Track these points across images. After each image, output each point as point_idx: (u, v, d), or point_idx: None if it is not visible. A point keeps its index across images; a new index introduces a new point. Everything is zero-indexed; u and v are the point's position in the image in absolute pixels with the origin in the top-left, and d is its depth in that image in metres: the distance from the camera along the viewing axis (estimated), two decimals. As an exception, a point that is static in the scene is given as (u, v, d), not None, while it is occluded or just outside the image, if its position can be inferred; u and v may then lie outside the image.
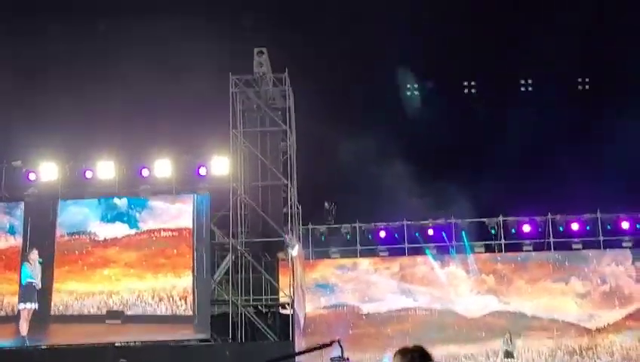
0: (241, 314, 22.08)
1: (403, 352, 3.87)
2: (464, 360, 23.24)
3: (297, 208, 23.34)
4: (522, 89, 27.65)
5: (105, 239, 21.92)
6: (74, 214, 22.20)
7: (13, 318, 21.19)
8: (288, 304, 21.93)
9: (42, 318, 21.31)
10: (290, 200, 22.70)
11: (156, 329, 21.19)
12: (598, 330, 23.23)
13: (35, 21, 23.83)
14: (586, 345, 23.10)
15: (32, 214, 21.99)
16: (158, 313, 21.38)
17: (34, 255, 21.48)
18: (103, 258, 21.84)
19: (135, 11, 23.85)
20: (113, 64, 24.09)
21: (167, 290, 21.52)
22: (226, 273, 22.67)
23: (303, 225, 24.05)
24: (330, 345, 19.55)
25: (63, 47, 24.12)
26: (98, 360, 19.71)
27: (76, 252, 21.87)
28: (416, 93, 28.39)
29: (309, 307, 24.01)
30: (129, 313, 21.34)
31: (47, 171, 22.36)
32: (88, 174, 22.33)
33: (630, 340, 23.01)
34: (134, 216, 22.23)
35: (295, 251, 21.75)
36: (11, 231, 21.99)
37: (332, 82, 24.82)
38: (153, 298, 21.45)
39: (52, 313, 21.32)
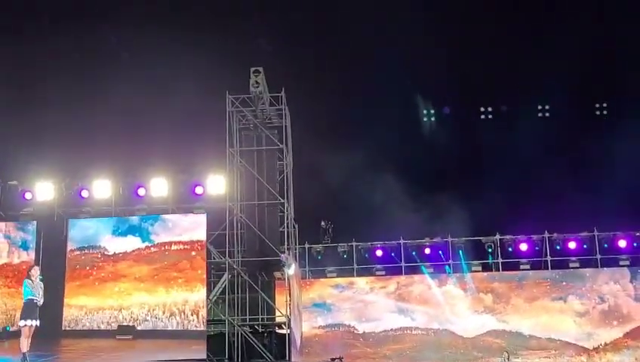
0: (238, 333, 21.94)
1: None
2: (461, 380, 23.16)
3: (294, 227, 23.27)
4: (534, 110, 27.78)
5: (115, 253, 21.80)
6: (85, 228, 22.16)
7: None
8: (285, 324, 21.80)
9: (53, 333, 21.07)
10: (287, 219, 22.63)
11: (167, 344, 20.98)
12: (596, 350, 23.15)
13: (30, 39, 23.86)
14: (585, 364, 23.04)
15: (44, 230, 21.91)
16: (169, 328, 21.21)
17: (35, 271, 21.32)
18: (113, 272, 21.72)
19: (132, 30, 23.92)
20: (109, 83, 24.10)
21: (178, 305, 21.37)
22: (222, 292, 22.54)
23: (299, 244, 23.99)
24: None
25: (58, 65, 24.14)
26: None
27: (87, 267, 21.75)
28: (430, 116, 28.51)
29: (306, 326, 23.90)
30: (140, 328, 21.23)
31: (43, 190, 22.30)
32: (84, 193, 22.27)
33: (628, 359, 22.93)
34: (147, 229, 22.12)
35: (292, 270, 21.66)
36: (24, 246, 21.93)
37: (329, 101, 24.86)
38: (164, 313, 21.32)
39: (63, 328, 21.22)
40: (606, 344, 23.16)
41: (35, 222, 22.05)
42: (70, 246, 21.88)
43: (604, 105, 27.57)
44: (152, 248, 21.88)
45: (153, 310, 21.38)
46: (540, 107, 27.86)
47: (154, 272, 21.76)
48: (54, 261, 21.59)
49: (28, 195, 22.33)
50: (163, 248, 21.94)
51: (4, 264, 21.84)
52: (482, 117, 28.68)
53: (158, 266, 21.78)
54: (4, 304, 21.44)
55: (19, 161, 22.08)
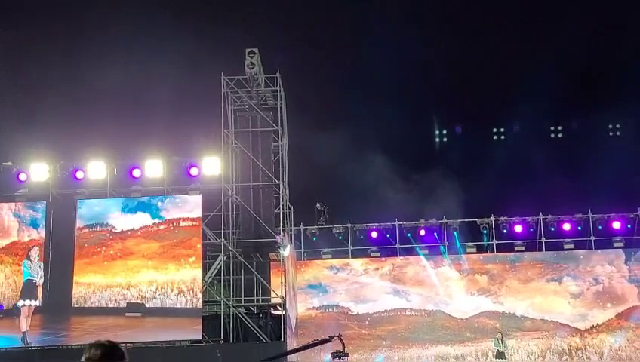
0: (233, 314, 22.02)
1: (88, 346, 3.83)
2: (454, 361, 23.25)
3: (289, 209, 23.31)
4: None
5: (123, 230, 21.81)
6: (94, 206, 22.25)
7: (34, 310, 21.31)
8: (280, 305, 21.88)
9: (63, 311, 21.32)
10: (282, 200, 22.67)
11: (176, 322, 21.05)
12: (589, 331, 23.27)
13: (24, 21, 23.75)
14: (575, 345, 23.14)
15: (54, 209, 22.01)
16: (178, 306, 21.26)
17: (34, 252, 21.55)
18: (122, 250, 21.75)
19: (127, 12, 23.81)
20: (104, 64, 24.05)
21: (187, 283, 21.44)
22: (217, 274, 22.59)
23: (294, 225, 24.03)
24: (330, 340, 19.55)
25: (52, 47, 24.05)
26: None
27: (95, 244, 21.81)
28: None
29: (301, 307, 23.97)
30: (149, 305, 21.27)
31: (37, 172, 22.29)
32: (79, 174, 22.24)
33: (621, 340, 23.06)
34: (156, 206, 22.18)
35: (287, 252, 21.71)
36: (34, 225, 21.99)
37: (325, 82, 24.81)
38: (173, 290, 21.37)
39: (73, 305, 21.33)
40: (599, 325, 23.28)
41: (44, 202, 22.13)
42: (79, 223, 21.90)
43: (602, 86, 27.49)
44: (161, 225, 21.88)
45: (162, 288, 21.45)
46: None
47: (162, 249, 21.78)
48: (64, 239, 21.74)
49: (22, 176, 22.31)
50: (172, 225, 21.95)
51: (14, 242, 21.93)
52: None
53: (167, 243, 21.83)
54: (14, 281, 21.54)
55: (13, 142, 22.03)
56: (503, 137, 26.08)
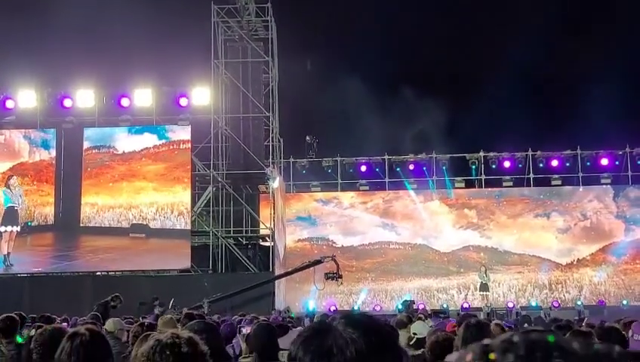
0: (222, 245, 22.16)
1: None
2: (436, 294, 23.52)
3: (279, 141, 23.27)
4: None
5: (125, 152, 21.99)
6: (101, 129, 22.60)
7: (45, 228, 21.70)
8: (269, 236, 22.00)
9: (71, 230, 21.69)
10: (272, 132, 22.62)
11: (178, 244, 21.28)
12: (572, 265, 23.53)
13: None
14: (556, 279, 23.43)
15: (66, 133, 22.16)
16: (178, 227, 21.49)
17: (14, 180, 21.71)
18: (124, 171, 21.99)
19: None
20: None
21: (186, 205, 21.62)
22: (207, 205, 22.66)
23: (284, 158, 24.00)
24: (322, 261, 19.67)
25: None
26: (78, 288, 19.73)
27: (100, 165, 22.06)
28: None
29: (289, 239, 24.12)
30: (153, 226, 21.56)
31: (25, 98, 22.07)
32: (67, 102, 22.05)
33: (603, 274, 23.35)
34: (164, 127, 22.32)
35: (276, 184, 21.73)
36: (45, 146, 22.21)
37: (316, 13, 24.48)
38: (172, 212, 21.53)
39: (80, 225, 21.69)
40: (582, 259, 23.55)
41: (54, 129, 22.33)
42: (86, 145, 22.10)
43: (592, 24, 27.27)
44: (164, 147, 22.00)
45: (162, 209, 21.60)
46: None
47: (164, 171, 21.96)
48: (72, 161, 21.92)
49: (9, 103, 22.10)
50: (177, 146, 22.02)
51: (24, 163, 22.15)
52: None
53: (168, 165, 21.97)
54: (24, 201, 21.82)
55: (0, 67, 21.73)
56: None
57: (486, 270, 21.74)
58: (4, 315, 6.13)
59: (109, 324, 7.30)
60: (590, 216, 23.80)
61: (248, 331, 6.11)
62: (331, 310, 21.45)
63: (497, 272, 23.27)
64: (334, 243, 24.18)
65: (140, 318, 8.99)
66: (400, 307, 18.90)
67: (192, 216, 21.93)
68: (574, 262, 23.56)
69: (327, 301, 22.65)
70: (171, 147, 22.07)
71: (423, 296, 23.08)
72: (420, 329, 6.08)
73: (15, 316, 6.32)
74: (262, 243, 23.13)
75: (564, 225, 23.85)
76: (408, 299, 20.06)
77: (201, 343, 2.62)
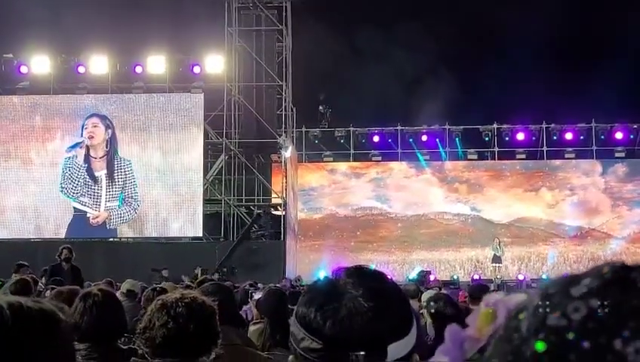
0: (233, 214, 22.22)
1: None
2: (446, 264, 23.49)
3: (292, 110, 23.21)
4: None
5: None
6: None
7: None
8: (280, 205, 22.03)
9: None
10: (285, 102, 22.55)
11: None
12: (562, 238, 23.45)
13: None
14: (567, 252, 23.38)
15: None
16: None
17: None
18: None
19: None
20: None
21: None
22: (219, 173, 22.69)
23: (296, 127, 23.93)
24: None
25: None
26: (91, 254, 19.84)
27: None
28: None
29: (300, 209, 24.14)
30: None
31: (39, 64, 22.05)
32: (81, 69, 22.03)
33: (591, 248, 23.22)
34: None
35: (288, 153, 21.71)
36: None
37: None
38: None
39: None
40: (574, 235, 23.47)
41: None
42: None
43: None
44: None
45: None
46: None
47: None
48: None
49: (23, 69, 22.09)
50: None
51: None
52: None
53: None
54: None
55: (14, 33, 21.68)
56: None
57: (500, 242, 21.73)
58: (18, 277, 6.20)
59: (129, 284, 7.36)
60: (578, 191, 23.67)
61: (259, 297, 6.13)
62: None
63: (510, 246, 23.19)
64: (338, 213, 24.24)
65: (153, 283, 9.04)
66: (415, 277, 18.86)
67: (204, 184, 21.96)
68: (565, 236, 23.50)
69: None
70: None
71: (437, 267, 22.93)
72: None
73: (29, 279, 6.39)
74: (273, 212, 23.16)
75: (553, 200, 23.72)
76: (420, 270, 20.05)
77: (209, 301, 2.65)
